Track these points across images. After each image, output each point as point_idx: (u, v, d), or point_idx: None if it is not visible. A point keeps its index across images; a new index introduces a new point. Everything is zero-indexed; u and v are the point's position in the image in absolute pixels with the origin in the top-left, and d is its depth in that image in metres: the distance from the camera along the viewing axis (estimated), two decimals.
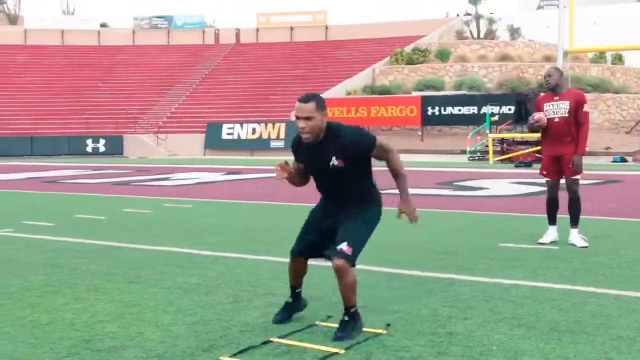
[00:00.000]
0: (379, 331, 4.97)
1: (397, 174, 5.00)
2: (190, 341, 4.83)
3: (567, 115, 8.24)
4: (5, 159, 32.94)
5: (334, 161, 4.83)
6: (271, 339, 4.82)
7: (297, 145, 5.07)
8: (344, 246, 4.77)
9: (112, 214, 11.97)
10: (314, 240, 5.06)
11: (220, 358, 4.44)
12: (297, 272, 5.25)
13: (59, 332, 5.06)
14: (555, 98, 8.35)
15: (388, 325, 5.09)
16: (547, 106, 8.36)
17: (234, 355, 4.49)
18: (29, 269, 7.32)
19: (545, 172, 8.56)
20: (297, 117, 4.77)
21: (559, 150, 8.33)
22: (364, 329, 4.96)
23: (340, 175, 4.89)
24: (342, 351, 4.54)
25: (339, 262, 4.72)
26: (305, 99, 4.77)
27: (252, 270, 7.09)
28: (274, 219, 11.18)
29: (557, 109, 8.29)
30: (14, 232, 9.96)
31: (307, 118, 4.72)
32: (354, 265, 4.82)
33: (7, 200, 15.22)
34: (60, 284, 6.57)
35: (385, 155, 4.97)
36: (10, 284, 6.59)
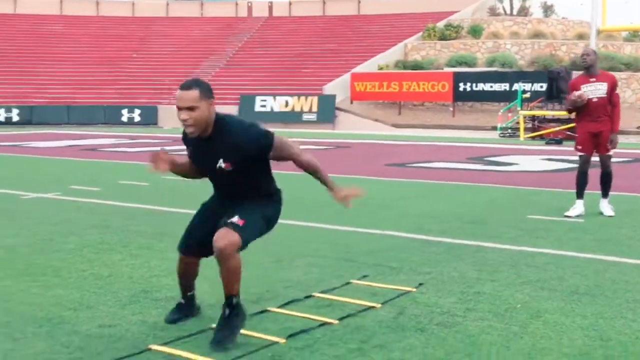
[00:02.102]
0: (411, 289, 5.40)
1: (312, 169, 4.31)
2: (241, 294, 5.29)
3: (605, 96, 8.81)
4: (42, 127, 33.67)
5: (221, 163, 4.17)
6: (313, 294, 5.28)
7: (185, 138, 4.39)
8: (235, 219, 4.15)
9: (154, 180, 12.43)
10: (203, 238, 4.33)
11: (268, 308, 4.91)
12: (187, 272, 4.63)
13: (119, 284, 5.56)
14: (591, 80, 8.81)
15: (420, 284, 5.53)
16: (584, 87, 8.80)
17: (280, 307, 4.95)
18: (82, 228, 7.84)
19: (580, 147, 8.98)
20: (178, 108, 4.07)
21: (596, 127, 8.85)
22: (396, 287, 5.40)
23: (231, 177, 4.26)
24: (379, 305, 4.97)
25: (225, 242, 4.06)
26: (187, 86, 4.10)
27: (291, 235, 7.54)
28: (308, 189, 11.60)
29: (595, 90, 8.79)
30: (62, 195, 10.51)
31: (190, 108, 4.03)
32: (244, 246, 4.21)
33: (52, 166, 15.81)
34: (115, 242, 7.08)
35: (287, 152, 4.25)
36: (68, 242, 7.13)
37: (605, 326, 4.55)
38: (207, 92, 4.10)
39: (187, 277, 4.65)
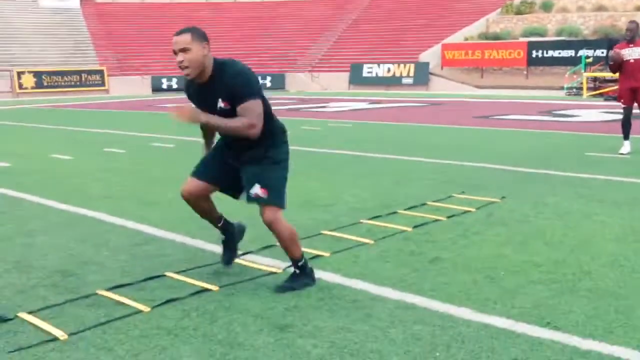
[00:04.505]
0: (496, 200, 6.21)
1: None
2: (375, 202, 6.25)
3: None
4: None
5: (220, 103, 3.60)
6: (426, 202, 6.16)
7: (188, 89, 3.82)
8: (256, 189, 3.63)
9: (294, 130, 13.48)
10: (215, 171, 3.87)
11: (396, 211, 5.83)
12: (198, 204, 3.93)
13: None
14: (630, 45, 9.27)
15: (503, 197, 6.33)
16: (624, 51, 9.25)
17: (407, 209, 5.86)
18: None
19: (622, 100, 9.45)
20: (174, 52, 3.56)
21: (633, 84, 9.34)
22: (486, 199, 6.21)
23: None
24: (474, 210, 5.82)
25: (265, 219, 3.63)
26: (179, 31, 3.60)
27: (405, 167, 8.42)
28: (415, 134, 12.40)
29: (632, 53, 9.26)
30: None
31: (184, 50, 3.53)
32: (282, 206, 3.71)
33: None
34: None
35: (243, 114, 3.56)
36: None
37: (638, 224, 5.26)
38: (199, 36, 3.59)
39: (205, 210, 4.00)
